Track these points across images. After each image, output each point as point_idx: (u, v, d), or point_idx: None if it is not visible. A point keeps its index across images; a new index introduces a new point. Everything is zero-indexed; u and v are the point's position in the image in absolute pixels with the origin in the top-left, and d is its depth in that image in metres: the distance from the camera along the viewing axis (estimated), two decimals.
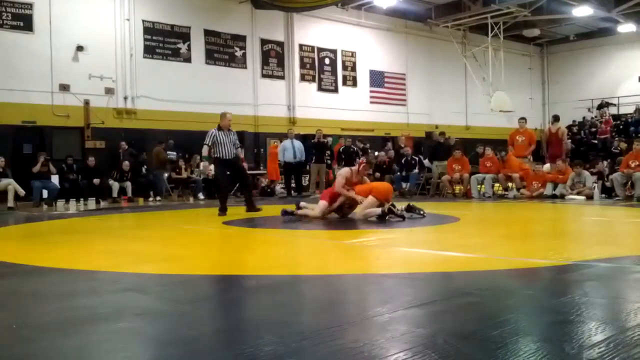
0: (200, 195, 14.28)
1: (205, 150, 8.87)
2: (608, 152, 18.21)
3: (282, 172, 15.59)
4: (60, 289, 3.54)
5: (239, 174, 9.35)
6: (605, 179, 11.75)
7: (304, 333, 2.38)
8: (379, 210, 7.36)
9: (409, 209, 7.70)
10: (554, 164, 12.38)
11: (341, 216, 7.89)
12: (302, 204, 7.98)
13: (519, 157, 12.68)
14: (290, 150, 14.49)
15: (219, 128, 8.86)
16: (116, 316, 2.79)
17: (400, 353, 2.08)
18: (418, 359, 2.01)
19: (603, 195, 11.31)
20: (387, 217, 7.26)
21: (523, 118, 13.60)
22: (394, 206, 7.43)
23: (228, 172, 9.13)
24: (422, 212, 7.72)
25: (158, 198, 13.77)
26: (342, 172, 7.99)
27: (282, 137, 15.81)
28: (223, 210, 8.93)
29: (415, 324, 2.54)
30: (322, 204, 7.77)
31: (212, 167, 9.17)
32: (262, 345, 2.22)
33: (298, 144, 14.73)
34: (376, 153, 15.98)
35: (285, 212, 7.74)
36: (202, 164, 9.60)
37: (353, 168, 8.11)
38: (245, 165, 10.00)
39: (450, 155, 13.77)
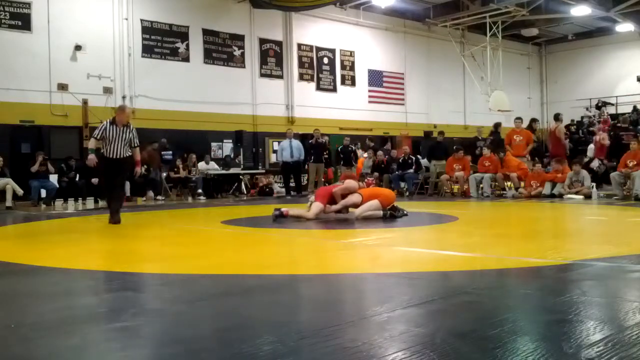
0: (201, 195, 14.27)
1: (91, 143, 7.74)
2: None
3: (280, 171, 15.59)
4: (59, 288, 3.54)
5: (115, 176, 7.70)
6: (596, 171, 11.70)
7: (302, 332, 2.38)
8: (380, 213, 7.49)
9: (394, 209, 7.84)
10: (553, 162, 12.38)
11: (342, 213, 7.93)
12: (284, 209, 7.77)
13: (517, 157, 12.69)
14: (287, 150, 14.55)
15: (113, 122, 7.60)
16: (114, 315, 2.78)
17: (398, 352, 2.08)
18: (416, 359, 2.01)
19: (601, 194, 11.32)
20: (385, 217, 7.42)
21: (519, 118, 13.63)
22: (393, 209, 7.63)
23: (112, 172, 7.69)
24: (405, 212, 7.88)
25: (160, 197, 13.76)
26: (351, 184, 7.95)
27: (280, 136, 15.81)
28: (112, 215, 7.61)
29: (414, 323, 2.54)
30: (317, 206, 7.66)
31: (91, 157, 7.56)
32: (261, 344, 2.22)
33: (296, 143, 14.76)
34: (379, 152, 15.93)
35: (276, 215, 7.48)
36: (89, 157, 7.71)
37: (361, 184, 8.21)
38: (138, 168, 8.16)
39: (447, 154, 13.76)
